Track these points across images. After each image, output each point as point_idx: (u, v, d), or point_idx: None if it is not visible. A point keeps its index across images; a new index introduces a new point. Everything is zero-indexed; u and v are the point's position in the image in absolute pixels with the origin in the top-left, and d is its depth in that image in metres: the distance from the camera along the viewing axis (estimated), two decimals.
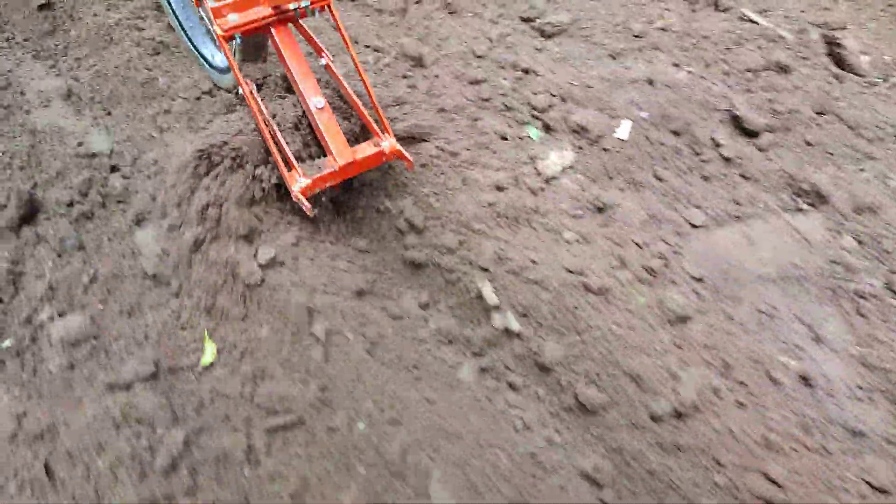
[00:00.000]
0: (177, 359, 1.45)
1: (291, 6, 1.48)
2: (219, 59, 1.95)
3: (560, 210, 1.72)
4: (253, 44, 1.62)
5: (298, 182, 1.42)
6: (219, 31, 1.43)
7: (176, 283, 1.54)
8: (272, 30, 1.51)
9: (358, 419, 1.37)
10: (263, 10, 1.47)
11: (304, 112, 1.58)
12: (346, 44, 1.55)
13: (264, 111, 1.50)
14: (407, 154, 1.51)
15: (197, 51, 2.01)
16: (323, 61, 1.59)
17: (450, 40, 2.20)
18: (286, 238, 1.53)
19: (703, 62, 2.18)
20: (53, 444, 1.31)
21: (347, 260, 1.58)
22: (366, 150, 1.49)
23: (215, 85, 2.02)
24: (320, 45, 1.60)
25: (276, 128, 1.49)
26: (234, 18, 1.45)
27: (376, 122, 1.54)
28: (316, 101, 1.48)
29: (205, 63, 2.00)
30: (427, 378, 1.47)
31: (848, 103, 2.11)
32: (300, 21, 1.56)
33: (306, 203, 1.41)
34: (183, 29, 2.03)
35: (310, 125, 1.57)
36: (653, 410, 1.41)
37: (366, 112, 1.56)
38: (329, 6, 1.52)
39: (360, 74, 1.55)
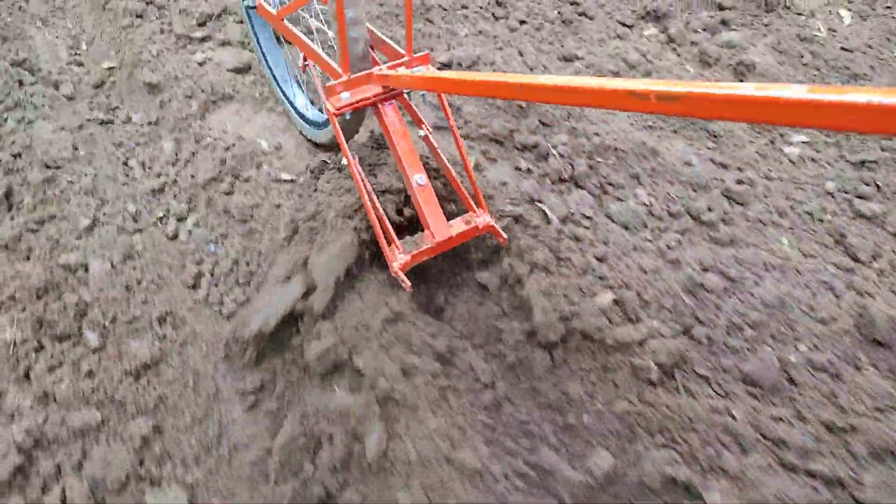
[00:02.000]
0: None
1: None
2: (312, 114, 1.99)
3: None
4: (354, 119, 1.64)
5: (398, 258, 1.46)
6: (330, 109, 1.47)
7: None
8: (379, 105, 1.52)
9: None
10: (374, 88, 1.50)
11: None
12: (448, 117, 1.58)
13: (368, 186, 1.53)
14: (500, 230, 1.56)
15: (292, 105, 2.04)
16: (422, 133, 1.60)
17: None
18: None
19: None
20: None
21: None
22: (461, 226, 1.53)
23: (307, 139, 2.05)
24: (421, 117, 1.61)
25: (378, 204, 1.51)
26: (346, 97, 1.48)
27: (472, 196, 1.58)
28: (418, 178, 1.50)
29: (297, 116, 2.02)
30: None
31: None
32: (405, 95, 1.57)
33: (406, 280, 1.45)
34: (278, 84, 2.08)
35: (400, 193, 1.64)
36: None
37: (462, 187, 1.58)
38: None
39: (458, 149, 1.57)
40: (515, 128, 2.04)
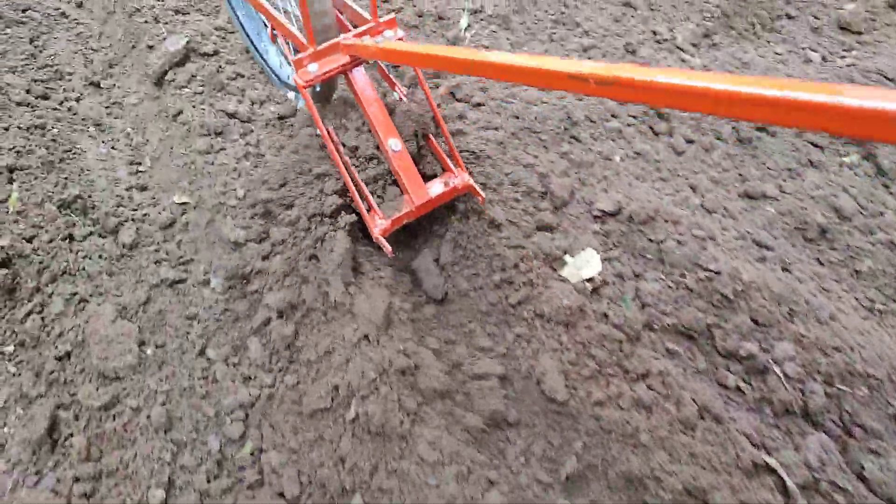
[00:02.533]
0: None
1: None
2: (283, 75, 1.96)
3: None
4: (325, 88, 1.66)
5: (379, 224, 1.47)
6: (300, 82, 1.45)
7: None
8: (348, 73, 1.51)
9: None
10: (342, 58, 1.48)
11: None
12: (420, 80, 1.57)
13: (345, 157, 1.54)
14: (479, 189, 1.55)
15: (271, 70, 2.00)
16: (396, 95, 1.62)
17: None
18: None
19: None
20: None
21: None
22: (439, 187, 1.54)
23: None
24: (394, 80, 1.63)
25: (356, 173, 1.53)
26: (314, 69, 1.46)
27: (449, 156, 1.58)
28: (393, 143, 1.50)
29: (282, 85, 1.99)
30: None
31: None
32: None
33: (387, 245, 1.46)
34: (256, 49, 2.02)
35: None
36: None
37: (439, 148, 1.59)
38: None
39: (433, 110, 1.57)
40: (716, 322, 1.53)
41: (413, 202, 1.50)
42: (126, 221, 1.66)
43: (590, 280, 1.57)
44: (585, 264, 1.60)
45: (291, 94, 2.00)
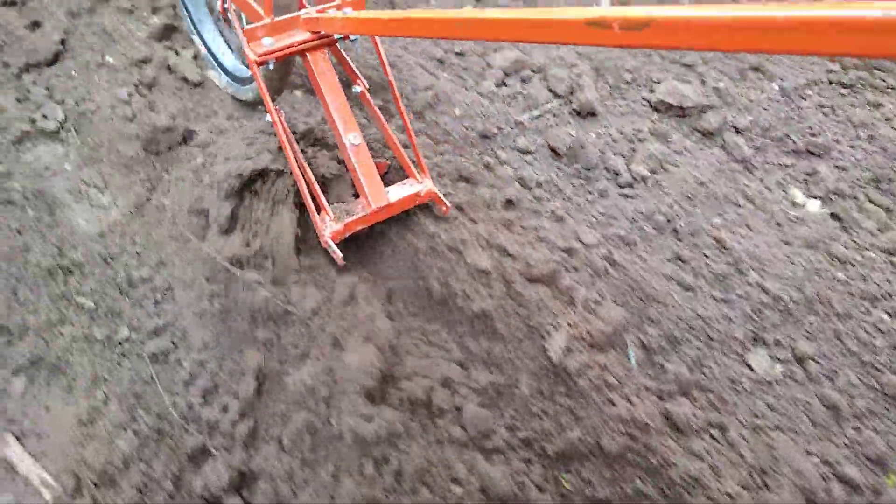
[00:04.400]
0: None
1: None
2: (234, 68, 1.79)
3: None
4: (280, 70, 1.49)
5: (329, 227, 1.31)
6: (251, 56, 1.30)
7: None
8: (308, 55, 1.35)
9: None
10: (301, 34, 1.33)
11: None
12: (386, 72, 1.43)
13: (295, 146, 1.37)
14: (443, 198, 1.41)
15: (219, 64, 1.82)
16: (357, 89, 1.46)
17: None
18: None
19: None
20: None
21: None
22: (400, 192, 1.39)
23: (231, 95, 1.84)
24: (357, 71, 1.46)
25: (307, 166, 1.36)
26: (268, 42, 1.31)
27: (413, 162, 1.45)
28: (352, 136, 1.35)
29: (222, 73, 1.82)
30: None
31: None
32: (338, 45, 1.41)
33: (337, 251, 1.30)
34: (198, 32, 1.84)
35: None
36: None
37: (401, 151, 1.44)
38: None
39: (398, 108, 1.44)
40: None
41: (370, 205, 1.33)
42: None
43: None
44: None
45: (243, 90, 1.81)
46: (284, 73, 1.53)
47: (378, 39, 1.45)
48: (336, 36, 1.35)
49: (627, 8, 0.60)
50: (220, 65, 1.82)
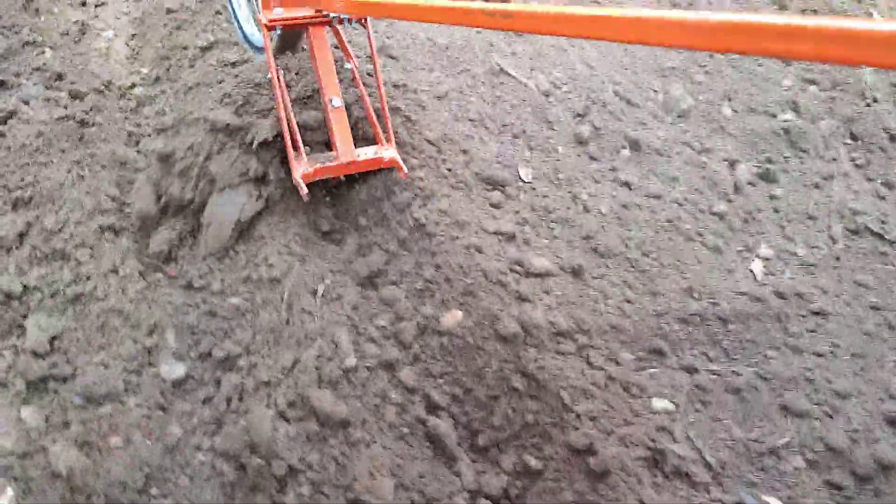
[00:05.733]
0: None
1: (332, 15, 1.62)
2: (257, 39, 2.01)
3: None
4: (290, 37, 1.78)
5: (302, 167, 1.57)
6: (263, 20, 1.59)
7: None
8: (309, 29, 1.64)
9: None
10: (307, 11, 1.62)
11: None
12: (373, 54, 1.72)
13: (286, 97, 1.63)
14: (402, 164, 1.67)
15: (242, 31, 2.07)
16: (349, 65, 1.73)
17: None
18: None
19: None
20: None
21: None
22: (367, 153, 1.66)
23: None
24: (351, 51, 1.74)
25: (292, 115, 1.62)
26: (279, 12, 1.60)
27: (384, 130, 1.70)
28: (335, 100, 1.62)
29: (245, 42, 2.06)
30: None
31: None
32: (337, 26, 1.69)
33: (304, 188, 1.56)
34: (233, 10, 2.09)
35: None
36: None
37: (376, 119, 1.70)
38: (365, 20, 1.68)
39: (377, 84, 1.70)
40: None
41: (339, 158, 1.60)
42: None
43: None
44: None
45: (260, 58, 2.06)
46: (291, 41, 1.80)
47: (369, 24, 1.71)
48: (331, 16, 1.62)
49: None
50: (240, 28, 2.06)
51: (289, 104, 1.63)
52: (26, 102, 1.93)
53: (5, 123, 1.86)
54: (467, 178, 1.84)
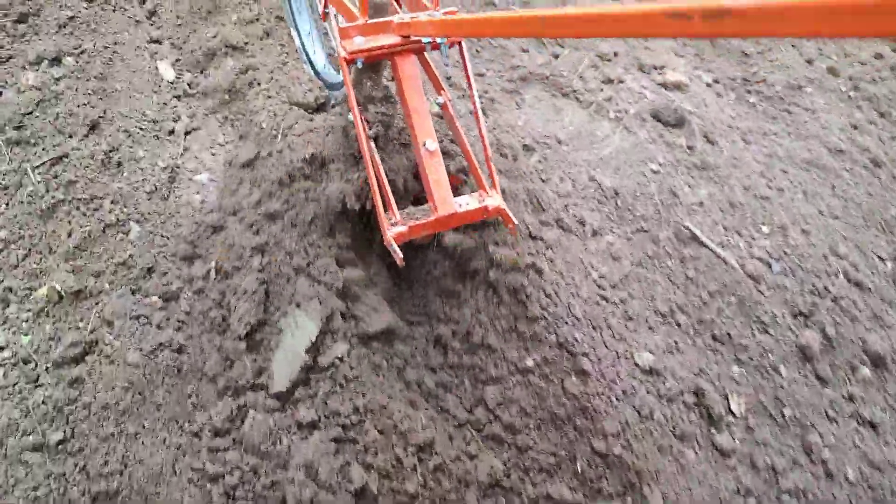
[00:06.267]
0: None
1: (424, 39, 1.36)
2: (323, 69, 1.91)
3: None
4: (367, 70, 1.53)
5: (394, 228, 1.34)
6: (342, 53, 1.36)
7: None
8: (395, 59, 1.40)
9: None
10: (391, 38, 1.38)
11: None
12: (470, 86, 1.47)
13: (371, 145, 1.43)
14: (511, 215, 1.42)
15: (309, 60, 1.94)
16: (441, 100, 1.50)
17: None
18: None
19: None
20: None
21: None
22: (469, 203, 1.41)
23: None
24: (442, 82, 1.49)
25: (381, 166, 1.41)
26: (359, 42, 1.37)
27: (486, 175, 1.48)
28: (429, 142, 1.38)
29: (312, 73, 1.94)
30: None
31: None
32: (426, 54, 1.46)
33: (398, 252, 1.32)
34: (301, 42, 1.96)
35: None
36: None
37: (476, 163, 1.47)
38: (460, 44, 1.45)
39: (477, 122, 1.47)
40: None
41: (437, 211, 1.36)
42: None
43: None
44: None
45: (333, 94, 1.88)
46: (372, 75, 1.58)
47: (465, 50, 1.47)
48: (424, 41, 1.37)
49: None
50: (310, 62, 1.90)
51: (376, 154, 1.42)
52: (110, 325, 1.50)
53: (80, 362, 1.43)
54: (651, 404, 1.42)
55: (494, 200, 1.42)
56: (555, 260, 1.63)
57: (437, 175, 1.37)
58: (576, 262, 1.67)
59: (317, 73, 1.90)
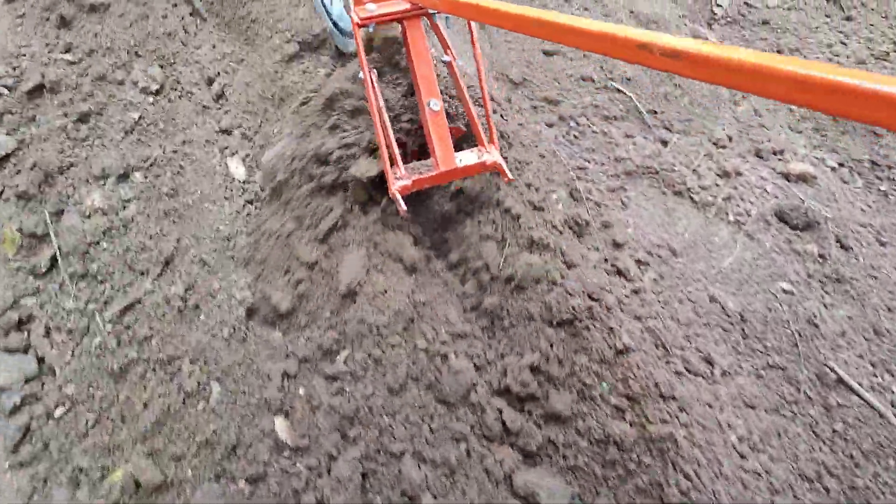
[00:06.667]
0: None
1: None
2: (343, 23, 1.95)
3: None
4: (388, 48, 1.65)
5: (399, 181, 1.46)
6: (355, 19, 1.46)
7: None
8: (405, 22, 1.50)
9: None
10: (402, 5, 1.48)
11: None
12: (474, 45, 1.55)
13: (381, 102, 1.52)
14: (507, 169, 1.53)
15: (328, 14, 1.98)
16: (447, 58, 1.59)
17: None
18: None
19: None
20: None
21: None
22: (468, 158, 1.52)
23: (337, 50, 2.02)
24: (449, 43, 1.58)
25: (388, 122, 1.51)
26: (372, 8, 1.47)
27: (485, 131, 1.57)
28: (433, 102, 1.48)
29: (332, 25, 1.98)
30: None
31: None
32: (434, 17, 1.54)
33: (402, 203, 1.44)
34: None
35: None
36: None
37: (477, 119, 1.56)
38: None
39: (480, 81, 1.56)
40: None
41: (439, 167, 1.48)
42: None
43: None
44: None
45: (348, 43, 1.97)
46: (392, 52, 1.68)
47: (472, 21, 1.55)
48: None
49: (670, 37, 0.67)
50: (327, 10, 2.00)
51: (384, 109, 1.52)
52: None
53: None
54: None
55: (492, 156, 1.53)
56: (690, 425, 1.30)
57: (439, 132, 1.49)
58: (711, 423, 1.33)
59: (333, 21, 1.97)
